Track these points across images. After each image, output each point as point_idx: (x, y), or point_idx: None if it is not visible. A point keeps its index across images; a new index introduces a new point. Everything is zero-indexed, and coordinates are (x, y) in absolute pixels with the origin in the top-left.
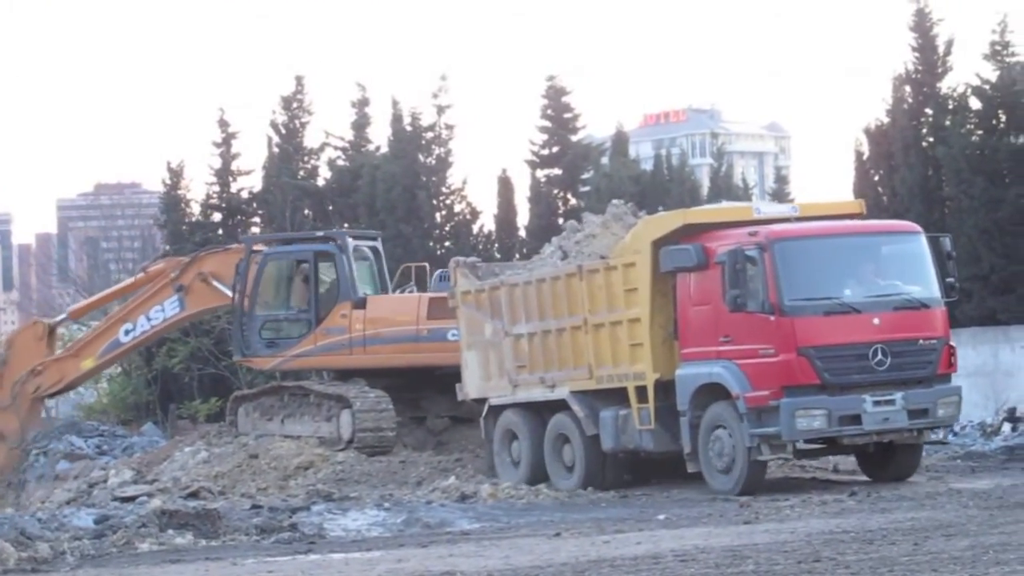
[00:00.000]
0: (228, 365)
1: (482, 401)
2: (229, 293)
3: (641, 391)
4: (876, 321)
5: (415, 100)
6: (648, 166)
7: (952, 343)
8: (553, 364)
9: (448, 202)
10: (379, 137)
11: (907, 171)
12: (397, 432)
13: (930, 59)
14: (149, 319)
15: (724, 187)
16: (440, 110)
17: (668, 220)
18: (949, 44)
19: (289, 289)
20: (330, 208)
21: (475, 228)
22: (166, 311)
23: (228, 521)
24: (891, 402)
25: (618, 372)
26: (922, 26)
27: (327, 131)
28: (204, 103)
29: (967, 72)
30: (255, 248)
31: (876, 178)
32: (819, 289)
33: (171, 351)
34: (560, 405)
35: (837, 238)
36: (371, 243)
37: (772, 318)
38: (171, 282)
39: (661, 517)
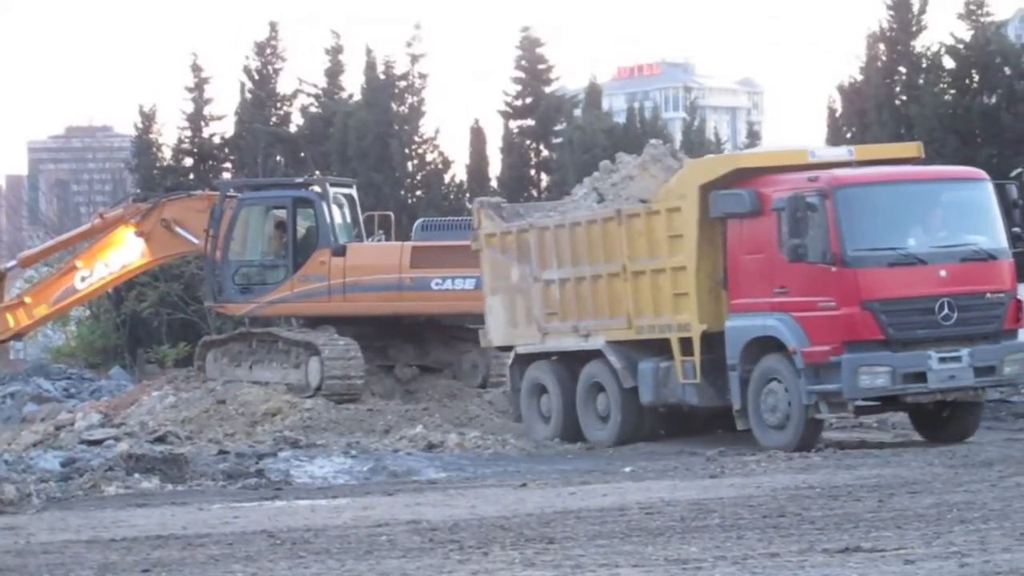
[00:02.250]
0: (197, 310)
1: (507, 349)
2: (192, 239)
3: (685, 343)
4: (942, 273)
5: (389, 48)
6: (621, 119)
7: (1020, 297)
8: (587, 312)
9: (420, 151)
10: (352, 85)
11: (879, 129)
12: (365, 380)
13: (905, 18)
14: (107, 265)
15: (696, 141)
16: (413, 59)
17: (717, 164)
18: (924, 3)
19: (265, 235)
20: (302, 155)
21: (447, 178)
22: (125, 258)
23: (195, 466)
24: (957, 359)
25: (660, 323)
26: None
27: (300, 78)
28: (178, 47)
29: (941, 31)
30: (229, 194)
31: (848, 136)
32: (883, 239)
33: (140, 296)
34: (593, 354)
35: (902, 184)
36: (347, 191)
37: (833, 269)
38: (132, 228)
39: (627, 470)
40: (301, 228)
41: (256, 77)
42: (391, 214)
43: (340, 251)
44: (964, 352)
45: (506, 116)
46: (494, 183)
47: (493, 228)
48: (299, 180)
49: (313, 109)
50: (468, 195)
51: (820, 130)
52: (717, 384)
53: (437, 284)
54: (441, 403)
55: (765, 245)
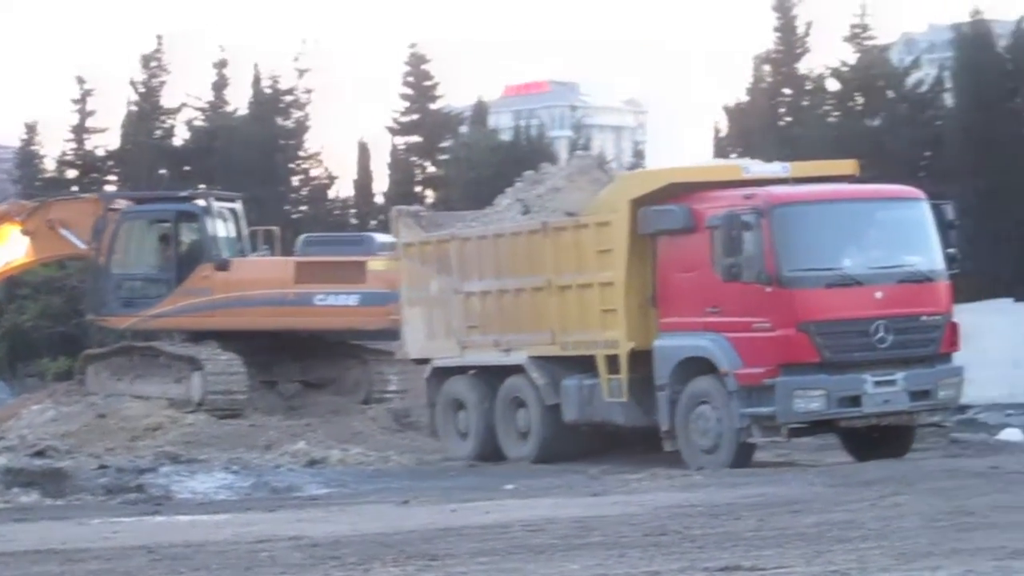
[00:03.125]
0: (79, 323)
1: (424, 362)
2: (77, 243)
3: (612, 361)
4: (878, 295)
5: (275, 63)
6: (508, 136)
7: (955, 320)
8: (510, 326)
9: (306, 166)
10: (238, 99)
11: (764, 151)
12: (248, 396)
13: (790, 40)
14: None
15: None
16: (300, 73)
17: (650, 178)
18: (809, 25)
19: (149, 248)
20: (187, 168)
21: (332, 193)
22: (8, 254)
23: (75, 481)
24: (892, 382)
25: (586, 339)
26: (784, 6)
27: (186, 91)
28: (64, 59)
29: (827, 54)
30: (113, 206)
31: (734, 156)
32: (820, 259)
33: (21, 308)
34: (514, 369)
35: (839, 203)
36: (231, 205)
37: (769, 289)
38: (17, 226)
39: (510, 487)
40: (185, 242)
41: (142, 90)
42: (277, 229)
43: (223, 265)
44: (899, 376)
45: (393, 132)
46: (380, 199)
47: (412, 238)
48: (183, 194)
49: (199, 123)
50: (354, 211)
51: (706, 151)
52: (644, 404)
53: (320, 300)
54: (324, 419)
55: (698, 263)
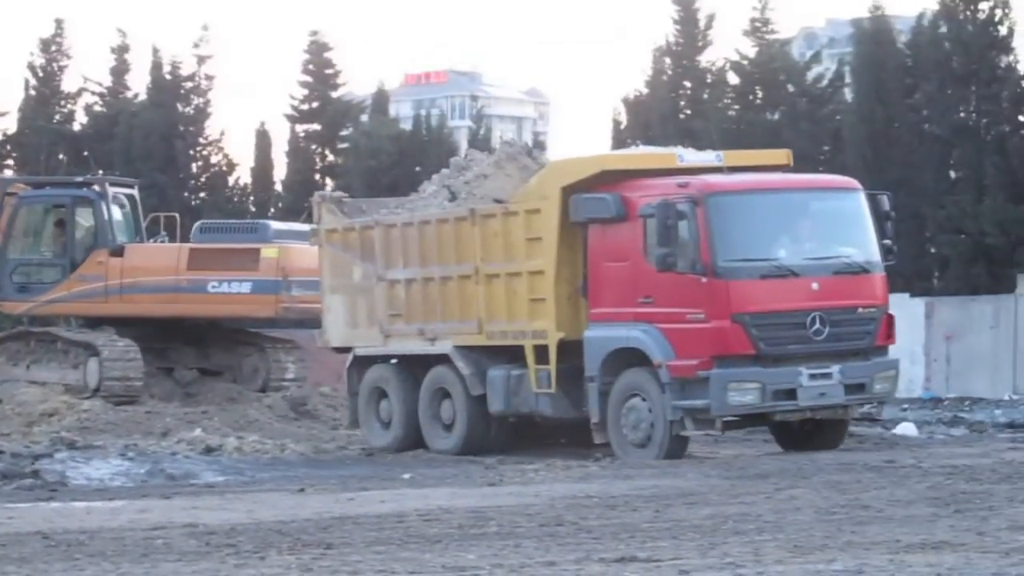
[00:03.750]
0: None
1: (345, 350)
2: None
3: (540, 351)
4: (814, 286)
5: (176, 49)
6: (408, 126)
7: (891, 312)
8: (435, 315)
9: (205, 153)
10: (138, 84)
11: (664, 142)
12: (144, 382)
13: (691, 33)
14: None
15: (482, 150)
16: (201, 60)
17: (581, 165)
18: (710, 18)
19: (45, 233)
20: (86, 154)
21: (231, 180)
22: None
23: None
24: (828, 375)
25: (514, 328)
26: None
27: (85, 76)
28: None
29: (727, 47)
30: (10, 191)
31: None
32: (755, 249)
33: None
34: (439, 359)
35: (775, 193)
36: (128, 191)
37: (704, 280)
38: None
39: (406, 476)
40: (81, 227)
41: (40, 74)
42: (176, 215)
43: (118, 251)
44: (835, 369)
45: (293, 120)
46: (279, 186)
47: (335, 224)
48: (80, 179)
49: (98, 108)
50: (252, 198)
51: (605, 141)
52: (572, 395)
53: (213, 287)
54: (221, 406)
55: (630, 252)
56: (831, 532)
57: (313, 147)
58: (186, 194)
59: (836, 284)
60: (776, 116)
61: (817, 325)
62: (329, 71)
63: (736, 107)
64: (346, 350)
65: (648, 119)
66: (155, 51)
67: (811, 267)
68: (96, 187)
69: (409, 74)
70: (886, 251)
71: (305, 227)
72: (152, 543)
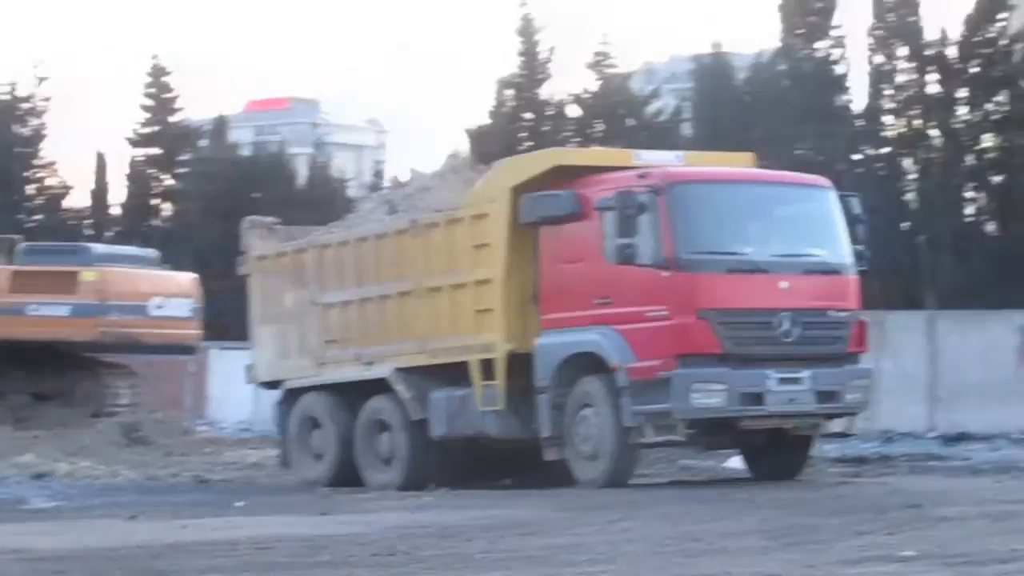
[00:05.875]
0: None
1: (274, 385)
2: None
3: (487, 366)
4: (784, 284)
5: (13, 70)
6: (248, 152)
7: (865, 318)
8: (373, 338)
9: (41, 175)
10: None
11: None
12: None
13: (533, 65)
14: None
15: (322, 177)
16: (39, 81)
17: (533, 162)
18: (552, 51)
19: None
20: None
21: (67, 203)
22: None
23: None
24: (798, 380)
25: (459, 344)
26: (528, 32)
27: None
28: None
29: (569, 80)
30: None
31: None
32: (721, 242)
33: None
34: (375, 388)
35: (742, 185)
36: None
37: (666, 274)
38: None
39: (240, 504)
40: None
41: None
42: (15, 237)
43: None
44: (805, 374)
45: (133, 144)
46: (117, 210)
47: (266, 249)
48: None
49: None
50: (90, 221)
51: None
52: (521, 413)
53: (32, 309)
54: (53, 432)
55: (586, 252)
56: (663, 564)
57: (152, 171)
58: (20, 216)
59: (806, 284)
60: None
61: (786, 326)
62: (169, 95)
63: (576, 140)
64: (275, 385)
65: (489, 151)
66: None
67: (780, 264)
68: None
69: (250, 100)
70: (858, 256)
71: (136, 251)
72: None
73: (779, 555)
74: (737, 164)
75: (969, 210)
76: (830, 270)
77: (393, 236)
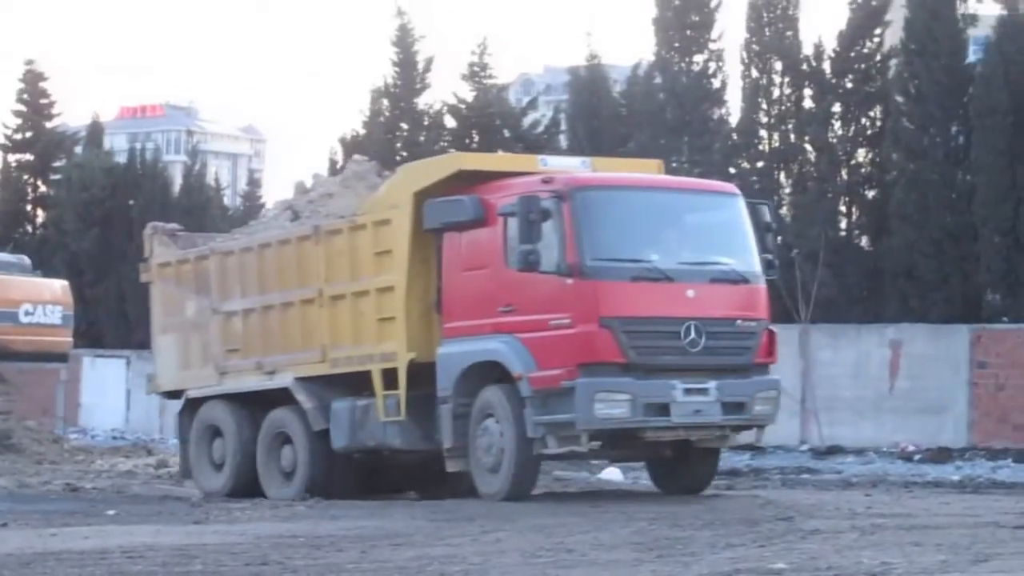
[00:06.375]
0: None
1: (176, 395)
2: None
3: (389, 377)
4: (690, 293)
5: None
6: (122, 159)
7: (773, 328)
8: (275, 347)
9: None
10: None
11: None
12: None
13: (410, 75)
14: None
15: (197, 185)
16: None
17: (435, 166)
18: (429, 61)
19: None
20: None
21: None
22: None
23: None
24: (704, 391)
25: (360, 353)
26: (404, 41)
27: None
28: None
29: (445, 91)
30: None
31: None
32: (626, 249)
33: None
34: (279, 398)
35: (649, 192)
36: None
37: (569, 281)
38: None
39: (111, 512)
40: None
41: None
42: None
43: None
44: (711, 385)
45: (5, 150)
46: None
47: (168, 256)
48: None
49: None
50: None
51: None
52: (424, 424)
53: None
54: None
55: (489, 259)
56: (535, 575)
57: (25, 177)
58: None
59: (713, 293)
60: None
61: (692, 335)
62: (44, 101)
63: (452, 150)
64: (177, 395)
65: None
66: None
67: (686, 272)
68: None
69: (125, 107)
70: (767, 264)
71: (6, 257)
72: None
73: (651, 567)
74: (644, 171)
75: (843, 224)
76: (739, 279)
77: (296, 243)
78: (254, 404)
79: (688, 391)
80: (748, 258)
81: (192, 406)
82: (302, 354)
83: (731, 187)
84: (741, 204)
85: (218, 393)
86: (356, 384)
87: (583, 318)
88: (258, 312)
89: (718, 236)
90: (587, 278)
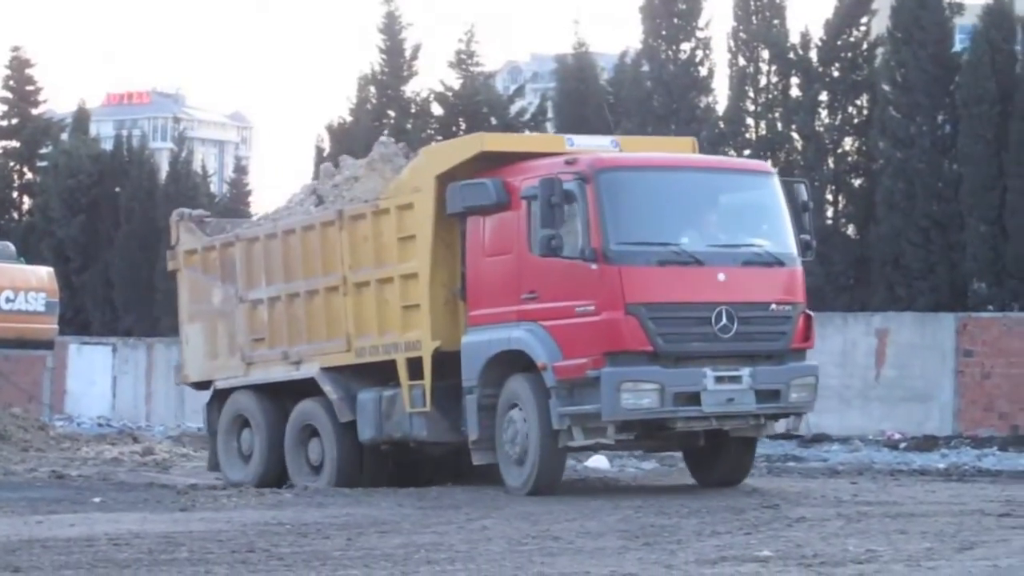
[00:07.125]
0: None
1: (205, 386)
2: None
3: (415, 365)
4: (721, 277)
5: None
6: (109, 146)
7: (810, 312)
8: (300, 336)
9: None
10: None
11: None
12: None
13: (396, 63)
14: None
15: (184, 172)
16: None
17: (459, 148)
18: (416, 49)
19: None
20: None
21: None
22: None
23: None
24: (737, 379)
25: (385, 342)
26: (391, 29)
27: None
28: None
29: (432, 78)
30: None
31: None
32: (653, 233)
33: None
34: (307, 389)
35: (677, 172)
36: None
37: (593, 266)
38: None
39: (97, 500)
40: None
41: None
42: None
43: None
44: (744, 372)
45: None
46: None
47: (194, 243)
48: None
49: None
50: None
51: (308, 168)
52: (451, 415)
53: None
54: None
55: (512, 244)
56: (522, 563)
57: (11, 164)
58: None
59: (746, 276)
60: None
61: (724, 321)
62: (30, 87)
63: (439, 138)
64: (206, 386)
65: (352, 147)
66: None
67: (717, 255)
68: None
69: (111, 93)
70: (804, 245)
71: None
72: None
73: (637, 555)
74: (677, 150)
75: (829, 213)
76: (773, 261)
77: (320, 229)
78: (282, 394)
79: (719, 379)
80: (783, 239)
81: (220, 397)
82: (327, 343)
83: (765, 165)
84: (776, 183)
85: (245, 384)
86: (383, 374)
87: (608, 305)
88: (283, 300)
89: (751, 217)
90: (612, 263)
